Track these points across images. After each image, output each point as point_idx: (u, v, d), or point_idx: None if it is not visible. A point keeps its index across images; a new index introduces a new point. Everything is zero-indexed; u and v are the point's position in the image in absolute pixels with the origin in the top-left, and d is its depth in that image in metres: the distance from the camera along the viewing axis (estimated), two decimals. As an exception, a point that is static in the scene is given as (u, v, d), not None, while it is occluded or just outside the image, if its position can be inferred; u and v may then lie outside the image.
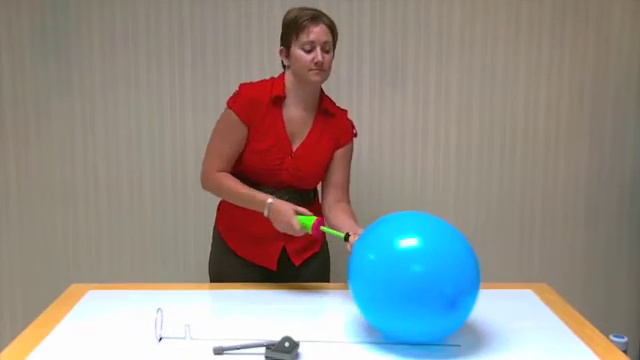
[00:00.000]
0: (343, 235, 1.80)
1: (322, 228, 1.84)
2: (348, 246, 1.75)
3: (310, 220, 1.83)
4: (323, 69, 1.90)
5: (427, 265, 1.46)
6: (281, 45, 1.97)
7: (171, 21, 2.66)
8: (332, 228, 1.90)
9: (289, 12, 1.95)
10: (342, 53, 2.62)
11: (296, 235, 1.84)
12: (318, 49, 1.88)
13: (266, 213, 1.87)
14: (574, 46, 2.70)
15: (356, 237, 1.71)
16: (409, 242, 1.49)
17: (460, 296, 1.47)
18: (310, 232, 1.83)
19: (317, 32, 1.88)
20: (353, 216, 1.97)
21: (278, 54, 2.00)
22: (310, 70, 1.89)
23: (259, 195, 1.90)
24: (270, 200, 1.86)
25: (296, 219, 1.82)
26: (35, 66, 2.68)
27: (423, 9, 2.66)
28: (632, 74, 2.72)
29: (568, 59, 2.70)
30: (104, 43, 2.67)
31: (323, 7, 2.05)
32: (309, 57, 1.88)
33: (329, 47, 1.92)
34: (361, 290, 1.54)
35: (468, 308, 1.51)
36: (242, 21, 2.66)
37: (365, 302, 1.54)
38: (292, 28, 1.90)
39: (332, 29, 1.93)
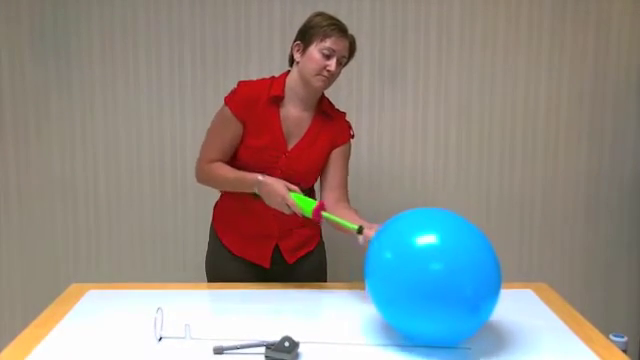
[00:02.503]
0: (354, 226, 1.77)
1: (324, 214, 1.84)
2: (360, 239, 1.74)
3: (310, 203, 1.84)
4: (330, 78, 1.93)
5: (448, 264, 1.43)
6: (299, 40, 1.97)
7: (171, 21, 2.66)
8: (335, 227, 1.90)
9: (319, 14, 1.96)
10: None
11: (288, 213, 1.86)
12: (335, 59, 1.90)
13: (256, 190, 1.90)
14: (574, 46, 2.70)
15: (373, 231, 1.69)
16: (430, 239, 1.48)
17: (482, 298, 1.45)
18: (308, 215, 1.83)
19: (341, 44, 1.91)
20: (358, 214, 1.97)
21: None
22: (318, 75, 1.91)
23: (249, 175, 1.93)
24: (260, 177, 1.90)
25: (289, 195, 1.84)
26: (35, 66, 2.68)
27: (423, 9, 2.66)
28: (632, 74, 2.72)
29: (568, 59, 2.71)
30: (104, 42, 2.67)
31: (322, 7, 2.06)
32: (325, 62, 1.90)
33: (343, 62, 1.96)
34: (379, 289, 1.52)
35: (489, 309, 1.49)
36: (242, 22, 2.66)
37: (384, 302, 1.53)
38: (319, 30, 1.91)
39: (352, 49, 1.98)
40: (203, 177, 2.05)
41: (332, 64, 1.90)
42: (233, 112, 1.98)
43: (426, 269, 1.43)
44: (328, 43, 1.89)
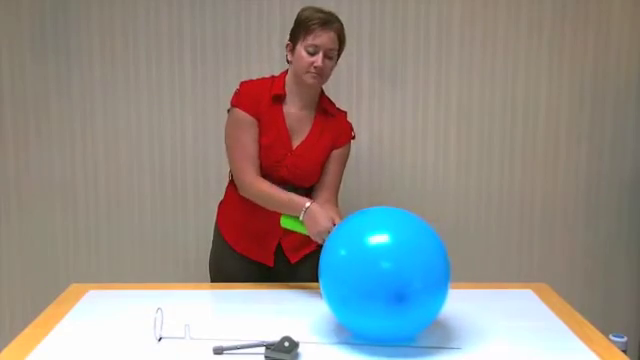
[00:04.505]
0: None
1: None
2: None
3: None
4: (321, 74, 1.92)
5: (395, 262, 1.46)
6: (289, 40, 1.98)
7: (171, 21, 2.66)
8: None
9: (304, 10, 1.95)
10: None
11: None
12: (321, 54, 1.90)
13: (301, 217, 1.87)
14: (574, 46, 2.70)
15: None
16: (380, 238, 1.50)
17: (414, 293, 1.45)
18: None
19: (324, 38, 1.90)
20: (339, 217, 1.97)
21: (284, 48, 2.02)
22: (308, 72, 1.91)
23: (297, 199, 1.89)
24: (308, 204, 1.86)
25: (333, 227, 1.80)
26: (35, 66, 2.68)
27: (423, 8, 2.66)
28: (632, 74, 2.72)
29: (568, 59, 2.70)
30: (104, 43, 2.67)
31: (322, 4, 2.05)
32: (310, 59, 1.90)
33: (332, 54, 1.93)
34: (330, 287, 1.54)
35: (434, 306, 1.50)
36: (242, 21, 2.66)
37: (334, 300, 1.55)
38: (302, 28, 1.92)
39: (340, 37, 1.95)
40: (252, 194, 1.98)
41: (318, 60, 1.89)
42: (245, 110, 1.98)
43: (374, 267, 1.46)
44: (310, 40, 1.89)
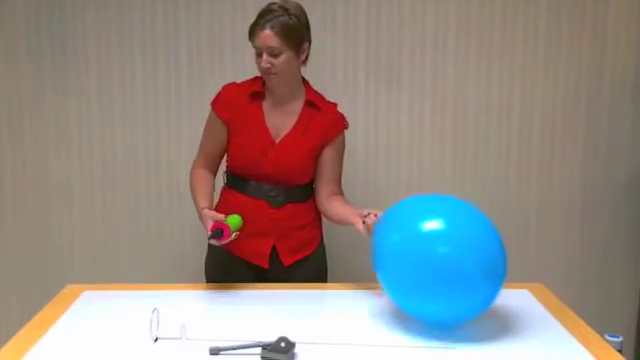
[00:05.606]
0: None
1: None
2: (362, 228, 1.82)
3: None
4: (271, 72, 1.94)
5: (454, 247, 1.54)
6: None
7: (167, 21, 2.65)
8: (333, 219, 2.03)
9: None
10: (338, 52, 2.63)
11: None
12: (264, 54, 1.92)
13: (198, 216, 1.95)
14: (570, 45, 2.70)
15: (373, 217, 1.79)
16: (436, 224, 1.59)
17: (485, 280, 1.55)
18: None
19: (261, 37, 1.91)
20: (350, 203, 2.02)
21: None
22: (262, 74, 1.97)
23: (201, 202, 1.96)
24: (203, 210, 1.92)
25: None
26: (30, 65, 2.67)
27: (419, 8, 2.67)
28: (627, 72, 2.72)
29: (564, 58, 2.71)
30: (100, 41, 2.66)
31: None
32: (258, 61, 1.95)
33: (277, 51, 1.91)
34: (389, 272, 1.62)
35: (494, 291, 1.58)
36: (237, 23, 2.66)
37: (394, 286, 1.63)
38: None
39: (279, 32, 1.89)
40: (189, 181, 2.11)
41: (261, 61, 1.93)
42: (216, 113, 2.06)
43: (433, 252, 1.53)
44: (253, 42, 1.94)
